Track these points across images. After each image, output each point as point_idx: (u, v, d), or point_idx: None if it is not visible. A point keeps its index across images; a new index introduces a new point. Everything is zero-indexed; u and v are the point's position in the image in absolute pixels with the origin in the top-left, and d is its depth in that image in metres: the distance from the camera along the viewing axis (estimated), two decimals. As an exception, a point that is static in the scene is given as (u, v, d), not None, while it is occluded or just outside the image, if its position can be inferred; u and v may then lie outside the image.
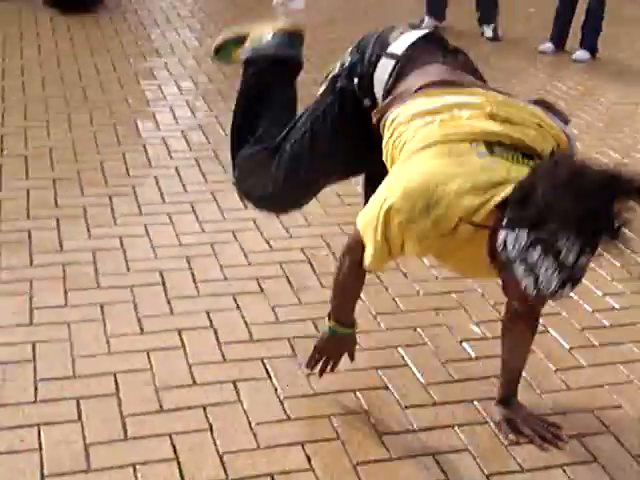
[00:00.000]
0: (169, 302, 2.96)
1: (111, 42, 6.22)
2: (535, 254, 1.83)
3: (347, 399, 2.49)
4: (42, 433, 2.28)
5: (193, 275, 3.15)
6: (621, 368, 2.75)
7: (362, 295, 2.49)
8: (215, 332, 2.80)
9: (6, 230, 3.39)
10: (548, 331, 2.90)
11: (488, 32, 6.97)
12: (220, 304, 2.97)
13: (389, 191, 2.06)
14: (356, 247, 2.19)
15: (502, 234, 1.89)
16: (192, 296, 3.02)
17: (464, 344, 2.82)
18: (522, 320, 2.37)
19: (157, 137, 4.48)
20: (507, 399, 2.46)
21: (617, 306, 3.13)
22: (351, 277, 2.31)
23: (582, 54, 6.52)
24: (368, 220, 2.11)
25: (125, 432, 2.31)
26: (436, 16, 7.13)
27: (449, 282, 3.16)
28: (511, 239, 1.87)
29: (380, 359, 2.70)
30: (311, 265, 3.27)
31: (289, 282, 3.14)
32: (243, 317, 2.90)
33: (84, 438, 2.26)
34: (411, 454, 2.30)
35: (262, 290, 3.07)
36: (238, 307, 2.96)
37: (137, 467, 2.18)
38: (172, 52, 6.10)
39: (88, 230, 3.43)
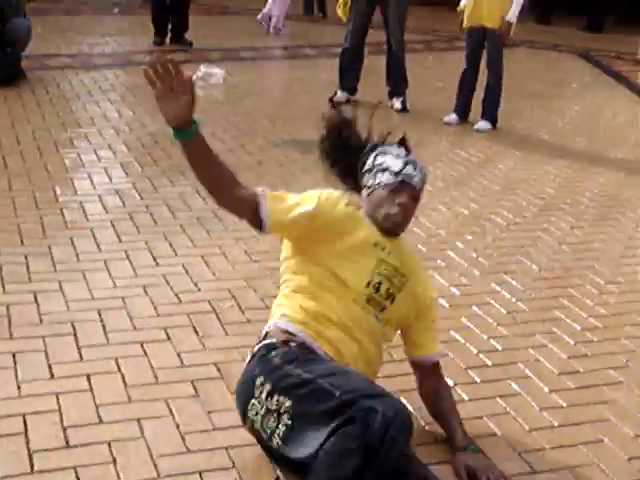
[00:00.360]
0: (79, 350, 3.12)
1: (32, 114, 6.41)
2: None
3: (242, 433, 2.67)
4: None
5: (104, 326, 3.31)
6: (499, 401, 3.00)
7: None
8: (122, 376, 2.97)
9: None
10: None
11: (397, 104, 7.37)
12: (128, 351, 3.14)
13: None
14: None
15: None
16: (102, 344, 3.18)
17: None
18: (431, 376, 2.76)
19: (75, 201, 4.65)
20: (464, 445, 2.61)
21: (500, 348, 3.39)
22: None
23: (483, 124, 6.94)
24: None
25: (32, 466, 2.46)
26: (349, 89, 7.52)
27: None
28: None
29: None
30: (217, 315, 3.47)
31: (195, 331, 3.33)
32: (150, 362, 3.07)
33: (-7, 472, 2.40)
34: None
35: (169, 338, 3.26)
36: (145, 354, 3.13)
37: (42, 497, 2.32)
38: (92, 123, 6.32)
39: (3, 286, 3.58)
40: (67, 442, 2.58)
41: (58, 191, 4.79)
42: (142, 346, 3.18)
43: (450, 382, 2.97)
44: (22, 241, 4.07)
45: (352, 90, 7.52)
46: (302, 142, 6.17)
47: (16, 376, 2.92)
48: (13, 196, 4.66)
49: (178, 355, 3.13)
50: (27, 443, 2.56)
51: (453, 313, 3.64)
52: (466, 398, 2.99)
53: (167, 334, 3.28)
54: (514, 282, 4.01)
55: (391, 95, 7.45)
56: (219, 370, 3.03)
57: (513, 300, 3.82)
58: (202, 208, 4.55)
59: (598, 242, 4.64)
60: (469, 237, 4.56)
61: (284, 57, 10.02)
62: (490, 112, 6.96)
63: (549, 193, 5.41)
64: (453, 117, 7.08)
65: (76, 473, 2.44)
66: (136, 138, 5.99)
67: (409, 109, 7.36)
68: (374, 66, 7.80)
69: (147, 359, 3.10)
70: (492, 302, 3.78)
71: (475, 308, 3.71)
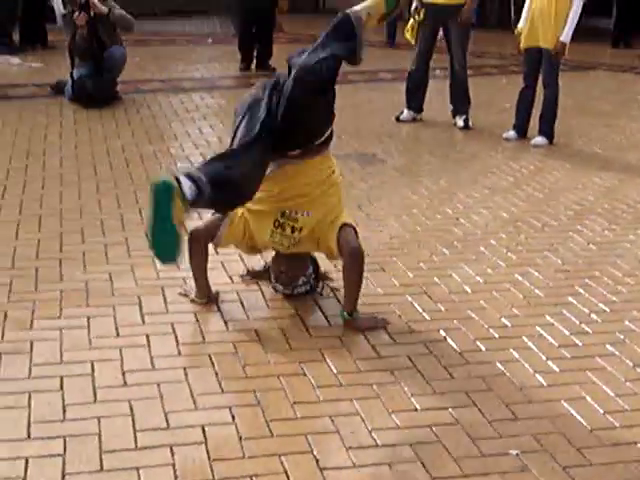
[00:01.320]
0: (142, 316, 3.70)
1: (123, 130, 7.14)
2: None
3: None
4: None
5: (165, 298, 3.89)
6: (499, 365, 3.43)
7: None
8: (176, 337, 3.54)
9: None
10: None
11: (460, 122, 7.80)
12: (183, 318, 3.71)
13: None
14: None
15: None
16: (162, 312, 3.76)
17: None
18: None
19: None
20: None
21: (509, 325, 3.81)
22: None
23: (540, 140, 7.31)
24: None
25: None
26: (415, 109, 8.00)
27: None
28: None
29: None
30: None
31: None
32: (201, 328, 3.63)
33: None
34: None
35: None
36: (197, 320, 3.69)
37: None
38: (175, 139, 7.00)
39: (84, 267, 4.20)
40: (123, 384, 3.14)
41: (139, 195, 5.42)
42: (195, 316, 3.74)
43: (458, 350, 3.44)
44: (104, 233, 4.71)
45: (418, 109, 8.00)
46: (363, 155, 6.70)
47: (89, 333, 3.52)
48: (99, 198, 5.33)
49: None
50: (94, 382, 3.14)
51: (472, 297, 4.08)
52: (471, 361, 3.44)
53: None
54: (536, 273, 4.41)
55: (454, 113, 7.90)
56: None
57: (531, 288, 4.22)
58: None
59: (627, 242, 4.97)
60: (503, 236, 4.97)
61: (361, 80, 10.54)
62: (547, 128, 7.32)
63: (589, 200, 5.76)
64: (512, 133, 7.47)
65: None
66: (213, 152, 6.60)
67: (472, 126, 7.78)
68: (439, 87, 8.29)
69: (198, 324, 3.67)
70: (511, 289, 4.20)
71: (495, 293, 4.13)
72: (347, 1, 15.05)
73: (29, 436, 2.83)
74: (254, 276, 4.10)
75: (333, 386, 3.22)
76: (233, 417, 2.98)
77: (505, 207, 5.53)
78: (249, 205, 3.66)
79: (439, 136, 7.53)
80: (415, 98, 7.98)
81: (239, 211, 3.71)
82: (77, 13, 7.92)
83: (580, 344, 3.65)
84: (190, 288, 3.88)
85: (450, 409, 3.09)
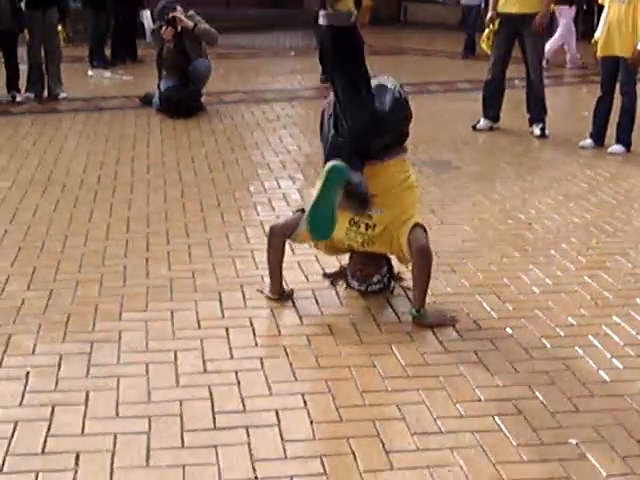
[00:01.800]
0: (223, 311, 3.92)
1: (207, 139, 7.44)
2: None
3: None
4: None
5: (243, 294, 4.11)
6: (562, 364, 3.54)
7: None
8: (253, 330, 3.75)
9: (108, 264, 4.45)
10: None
11: (536, 130, 7.87)
12: (260, 313, 3.92)
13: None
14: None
15: None
16: (239, 307, 3.98)
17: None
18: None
19: (233, 207, 5.53)
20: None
21: (575, 324, 3.91)
22: None
23: (617, 148, 7.33)
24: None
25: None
26: (491, 117, 8.10)
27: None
28: None
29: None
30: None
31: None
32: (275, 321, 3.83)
33: None
34: None
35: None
36: (273, 315, 3.89)
37: None
38: (256, 147, 7.26)
39: (169, 265, 4.47)
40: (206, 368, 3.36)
41: (220, 199, 5.68)
42: (272, 311, 3.95)
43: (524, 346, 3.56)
44: (187, 234, 4.97)
45: (494, 118, 8.09)
46: (438, 162, 6.84)
47: (172, 325, 3.76)
48: (184, 202, 5.60)
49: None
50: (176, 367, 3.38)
51: (540, 297, 4.18)
52: (536, 357, 3.55)
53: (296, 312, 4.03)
54: (606, 276, 4.47)
55: (531, 122, 7.96)
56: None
57: (600, 290, 4.30)
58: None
59: (702, 248, 4.99)
60: (574, 240, 5.05)
61: (440, 90, 10.69)
62: (624, 136, 7.33)
63: (666, 206, 5.79)
64: (588, 142, 7.50)
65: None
66: (292, 159, 6.84)
67: (548, 135, 7.83)
68: (517, 96, 8.38)
69: (274, 319, 3.87)
70: (579, 290, 4.28)
71: (563, 294, 4.22)
72: (428, 12, 15.24)
73: (117, 414, 3.07)
74: (330, 277, 4.28)
75: (401, 377, 3.37)
76: (305, 402, 3.16)
77: (578, 213, 5.60)
78: None
79: (515, 144, 7.61)
80: (491, 107, 8.08)
81: None
82: (164, 28, 8.29)
83: (645, 342, 3.74)
84: (267, 284, 4.08)
85: (513, 401, 3.21)
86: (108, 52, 12.17)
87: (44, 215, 5.24)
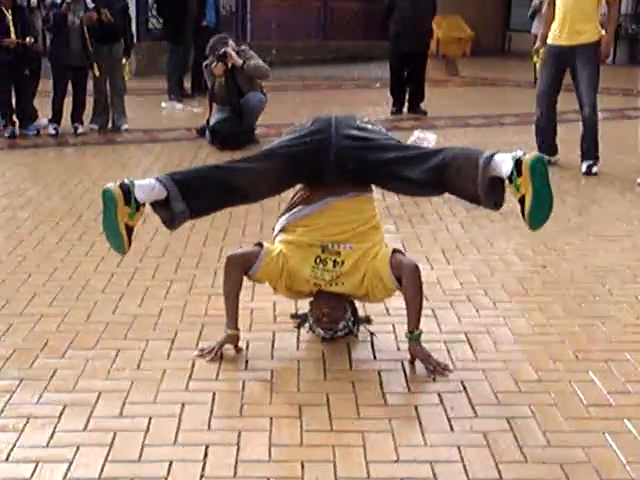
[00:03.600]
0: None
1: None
2: None
3: None
4: None
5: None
6: (508, 421, 3.24)
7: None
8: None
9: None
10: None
11: (584, 167, 7.41)
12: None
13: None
14: None
15: None
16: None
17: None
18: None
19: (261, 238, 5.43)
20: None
21: None
22: None
23: (676, 186, 6.84)
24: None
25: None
26: (546, 151, 7.69)
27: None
28: None
29: None
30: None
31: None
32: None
33: None
34: None
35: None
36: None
37: None
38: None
39: (140, 301, 4.39)
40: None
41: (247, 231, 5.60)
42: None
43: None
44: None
45: (549, 152, 7.70)
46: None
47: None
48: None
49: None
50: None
51: (515, 347, 3.88)
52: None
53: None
54: (602, 327, 4.12)
55: (582, 158, 7.53)
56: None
57: (584, 343, 3.95)
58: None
59: None
60: (582, 286, 4.69)
61: (511, 123, 10.33)
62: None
63: None
64: (646, 179, 7.04)
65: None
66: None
67: (595, 173, 7.37)
68: (578, 129, 7.97)
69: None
70: (565, 341, 3.95)
71: (537, 347, 3.91)
72: (530, 41, 14.50)
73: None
74: (297, 318, 4.08)
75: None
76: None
77: (602, 256, 5.22)
78: (289, 238, 3.73)
79: (566, 181, 7.22)
80: (545, 142, 7.70)
81: (277, 247, 3.75)
82: (215, 63, 8.32)
83: None
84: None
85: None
86: (188, 84, 12.41)
87: (44, 247, 5.27)
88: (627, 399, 3.41)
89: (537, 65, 7.60)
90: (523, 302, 4.44)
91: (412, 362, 3.68)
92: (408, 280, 3.62)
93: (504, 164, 3.29)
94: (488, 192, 3.34)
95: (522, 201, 3.30)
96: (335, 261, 3.68)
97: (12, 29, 8.56)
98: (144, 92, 12.99)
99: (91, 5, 8.82)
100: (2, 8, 8.56)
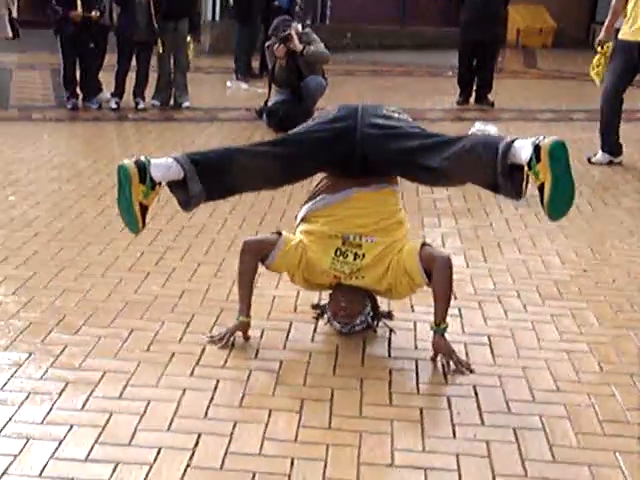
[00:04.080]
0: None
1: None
2: None
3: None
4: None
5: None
6: None
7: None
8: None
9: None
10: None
11: (653, 168, 7.17)
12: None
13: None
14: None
15: None
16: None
17: None
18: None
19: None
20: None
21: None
22: None
23: None
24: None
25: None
26: (609, 152, 7.44)
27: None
28: None
29: None
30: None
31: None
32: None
33: None
34: None
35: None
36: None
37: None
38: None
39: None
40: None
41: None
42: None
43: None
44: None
45: (612, 152, 7.43)
46: (534, 195, 6.30)
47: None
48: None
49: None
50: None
51: (541, 354, 3.73)
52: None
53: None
54: (635, 338, 3.94)
55: (648, 160, 7.26)
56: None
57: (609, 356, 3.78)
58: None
59: None
60: (619, 293, 4.49)
61: (581, 119, 10.01)
62: None
63: None
64: None
65: None
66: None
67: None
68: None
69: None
70: (589, 352, 3.78)
71: (562, 354, 3.75)
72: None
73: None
74: (318, 309, 3.99)
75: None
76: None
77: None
78: (310, 228, 3.64)
79: (629, 182, 6.95)
80: (608, 141, 7.42)
81: (297, 237, 3.67)
82: (277, 45, 8.26)
83: None
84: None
85: None
86: (257, 64, 12.38)
87: (81, 221, 5.30)
88: (646, 417, 3.25)
89: (595, 59, 7.29)
90: (555, 307, 4.27)
91: (434, 358, 3.57)
92: (439, 273, 3.50)
93: (523, 150, 3.11)
94: (509, 180, 3.17)
95: (541, 189, 3.10)
96: (356, 254, 3.57)
97: (79, 2, 8.63)
98: (215, 70, 13.04)
99: (157, -19, 8.85)
100: (69, -19, 8.65)
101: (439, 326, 3.55)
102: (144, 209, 3.34)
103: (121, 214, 3.38)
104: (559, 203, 3.13)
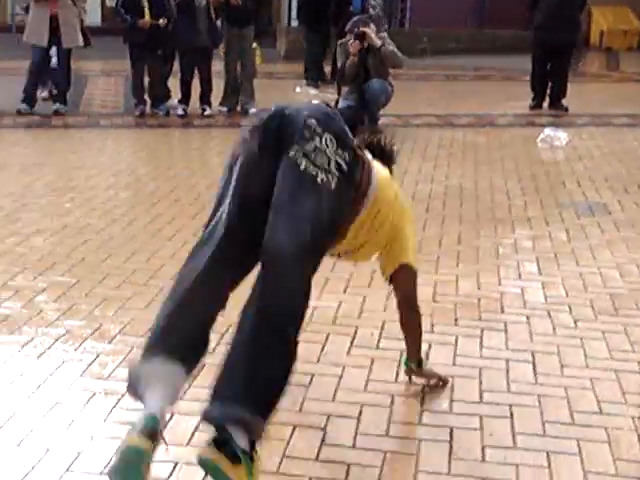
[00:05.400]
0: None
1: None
2: None
3: None
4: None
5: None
6: None
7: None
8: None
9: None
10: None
11: None
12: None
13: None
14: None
15: None
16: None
17: None
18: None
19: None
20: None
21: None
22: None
23: None
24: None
25: None
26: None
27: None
28: None
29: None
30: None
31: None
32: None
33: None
34: None
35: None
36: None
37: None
38: (419, 172, 6.90)
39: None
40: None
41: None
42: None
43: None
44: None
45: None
46: (590, 205, 6.08)
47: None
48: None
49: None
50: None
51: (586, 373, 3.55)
52: (514, 446, 3.00)
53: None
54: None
55: None
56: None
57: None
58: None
59: None
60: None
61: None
62: None
63: None
64: None
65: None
66: (430, 189, 6.43)
67: None
68: None
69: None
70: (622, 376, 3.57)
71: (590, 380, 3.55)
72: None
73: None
74: None
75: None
76: None
77: None
78: None
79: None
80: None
81: None
82: (352, 41, 8.21)
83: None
84: None
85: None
86: (329, 70, 12.33)
87: (133, 229, 5.31)
88: (693, 445, 3.04)
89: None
90: (609, 323, 4.07)
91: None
92: (401, 310, 3.25)
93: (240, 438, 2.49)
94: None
95: None
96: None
97: (147, 10, 8.72)
98: (287, 76, 13.05)
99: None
100: (137, -12, 8.75)
101: (418, 364, 3.33)
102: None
103: None
104: None
